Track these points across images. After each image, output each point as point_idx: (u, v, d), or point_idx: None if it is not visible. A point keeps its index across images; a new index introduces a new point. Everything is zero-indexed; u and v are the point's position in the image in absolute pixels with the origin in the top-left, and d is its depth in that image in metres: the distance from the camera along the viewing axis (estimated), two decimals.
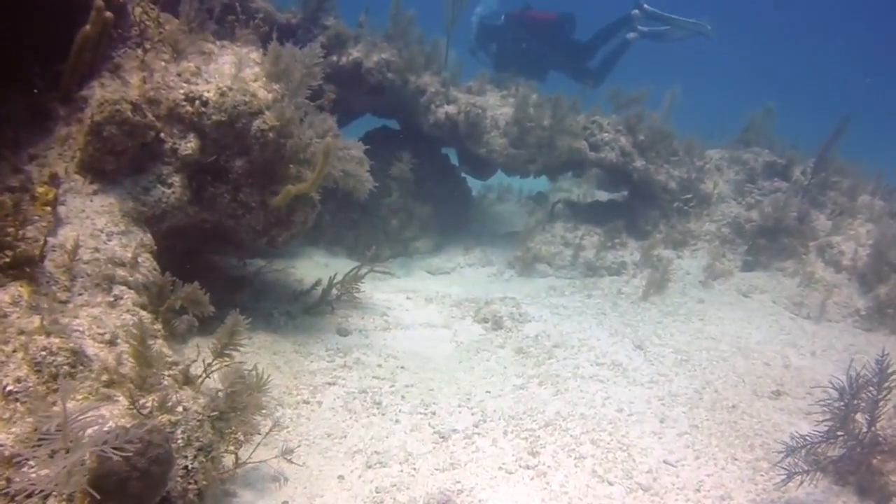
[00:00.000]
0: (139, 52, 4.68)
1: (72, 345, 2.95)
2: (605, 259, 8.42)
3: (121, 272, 3.75)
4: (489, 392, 4.89)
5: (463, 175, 10.46)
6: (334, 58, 8.38)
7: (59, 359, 2.87)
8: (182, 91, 4.64)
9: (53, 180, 3.87)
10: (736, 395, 5.04)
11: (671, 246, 8.70)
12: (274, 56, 5.03)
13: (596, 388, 5.01)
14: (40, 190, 3.68)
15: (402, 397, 4.72)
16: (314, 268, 8.33)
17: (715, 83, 38.59)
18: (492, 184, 12.19)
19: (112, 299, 3.57)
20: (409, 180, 9.08)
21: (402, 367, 5.23)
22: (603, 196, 10.89)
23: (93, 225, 3.95)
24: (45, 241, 3.44)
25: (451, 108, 8.57)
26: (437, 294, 7.21)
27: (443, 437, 4.20)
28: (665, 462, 4.06)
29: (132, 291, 3.70)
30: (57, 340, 2.92)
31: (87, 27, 4.32)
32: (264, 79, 5.00)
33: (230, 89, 4.72)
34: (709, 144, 9.88)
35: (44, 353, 2.85)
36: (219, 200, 4.98)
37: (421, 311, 6.69)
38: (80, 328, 3.19)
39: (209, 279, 6.11)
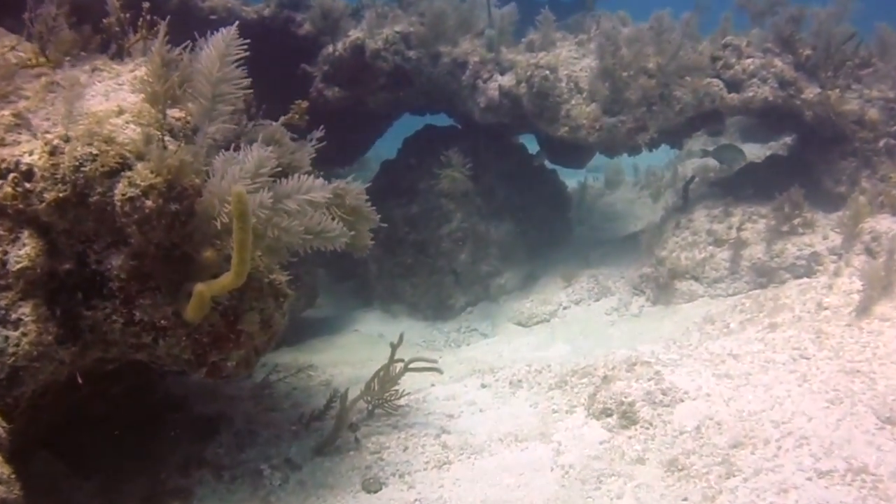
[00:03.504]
0: None
1: None
2: (785, 254, 6.22)
3: None
4: None
5: (549, 168, 8.52)
6: (329, 49, 6.77)
7: None
8: None
9: None
10: None
11: (889, 210, 6.32)
12: (157, 67, 3.39)
13: None
14: None
15: None
16: (361, 347, 6.72)
17: None
18: (596, 165, 10.16)
19: None
20: (469, 193, 7.30)
21: None
22: (754, 152, 8.58)
23: None
24: None
25: (505, 80, 6.73)
26: (528, 368, 5.34)
27: None
28: None
29: None
30: None
31: None
32: (138, 110, 3.37)
33: (67, 140, 3.12)
34: None
35: None
36: (106, 327, 3.42)
37: (502, 410, 4.84)
38: None
39: (163, 431, 4.71)
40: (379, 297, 7.74)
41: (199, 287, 3.13)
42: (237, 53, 3.32)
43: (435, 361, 4.79)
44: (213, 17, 5.36)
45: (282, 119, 4.59)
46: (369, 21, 6.68)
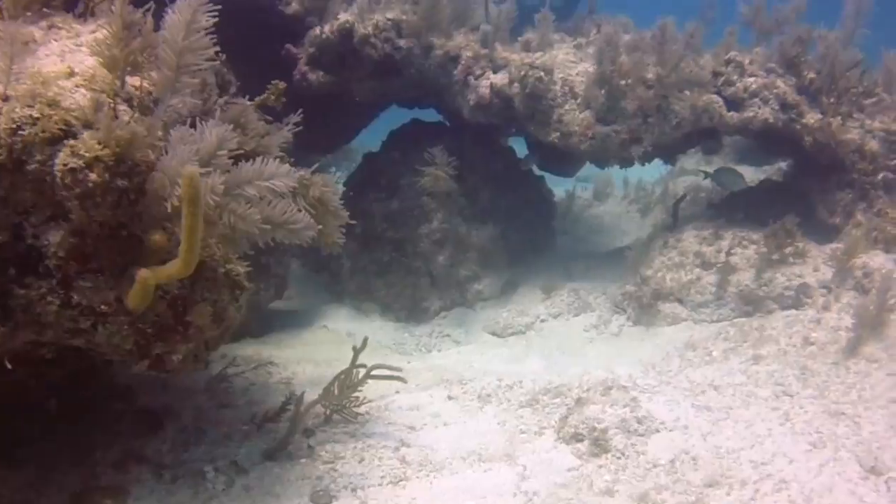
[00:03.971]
0: None
1: None
2: (773, 283, 6.03)
3: None
4: None
5: (537, 174, 8.28)
6: (316, 31, 6.49)
7: None
8: None
9: None
10: None
11: (883, 247, 6.15)
12: (117, 28, 3.12)
13: None
14: None
15: None
16: (328, 345, 6.44)
17: None
18: (586, 174, 9.94)
19: None
20: (452, 193, 7.05)
21: None
22: (747, 174, 8.38)
23: None
24: None
25: (498, 78, 6.46)
26: (499, 383, 5.10)
27: None
28: None
29: None
30: None
31: None
32: (91, 74, 3.10)
33: (6, 100, 2.84)
34: None
35: None
36: (40, 308, 3.14)
37: (468, 425, 4.60)
38: None
39: (103, 422, 4.43)
40: (351, 293, 7.46)
41: (143, 273, 2.86)
42: (205, 20, 3.05)
43: (399, 370, 4.53)
44: None
45: (257, 99, 4.32)
46: (360, 5, 6.39)
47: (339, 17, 6.42)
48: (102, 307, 3.14)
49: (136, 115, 3.06)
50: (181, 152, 2.65)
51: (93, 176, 2.77)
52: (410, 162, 7.14)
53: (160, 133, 3.07)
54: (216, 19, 3.06)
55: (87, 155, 2.77)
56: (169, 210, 2.85)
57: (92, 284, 3.10)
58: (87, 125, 2.83)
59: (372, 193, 7.40)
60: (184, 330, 3.36)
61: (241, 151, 2.94)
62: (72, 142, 2.77)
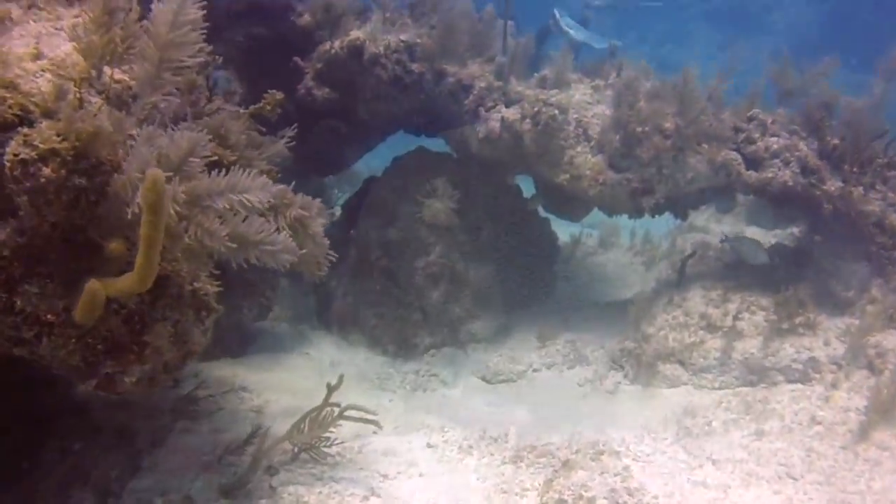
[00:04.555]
0: None
1: None
2: (781, 353, 5.69)
3: None
4: None
5: (543, 215, 7.98)
6: (325, 46, 6.24)
7: None
8: None
9: None
10: None
11: None
12: (98, 13, 2.84)
13: None
14: None
15: None
16: (309, 373, 6.10)
17: None
18: (593, 221, 9.64)
19: None
20: (452, 227, 6.76)
21: None
22: (759, 236, 8.09)
23: None
24: None
25: (510, 112, 6.20)
26: (482, 434, 4.76)
27: None
28: None
29: None
30: None
31: None
32: (61, 59, 2.82)
33: None
34: None
35: None
36: None
37: (445, 479, 4.25)
38: None
39: (53, 438, 4.10)
40: (339, 320, 7.13)
41: (93, 285, 2.55)
42: (194, 14, 2.77)
43: (375, 413, 4.18)
44: None
45: (251, 108, 4.05)
46: (374, 23, 6.16)
47: (350, 33, 6.18)
48: (48, 317, 2.83)
49: (107, 108, 2.77)
50: (142, 153, 2.35)
51: (46, 171, 2.48)
52: (412, 191, 6.87)
53: (134, 131, 2.78)
54: (203, 12, 2.79)
55: (41, 146, 2.48)
56: (129, 217, 2.55)
57: (39, 290, 2.79)
58: (48, 114, 2.54)
59: (369, 219, 7.10)
60: (139, 350, 3.04)
61: (215, 159, 2.63)
62: (26, 130, 2.47)
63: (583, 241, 9.50)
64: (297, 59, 6.50)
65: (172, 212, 2.48)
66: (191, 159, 2.62)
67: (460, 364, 6.62)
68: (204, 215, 2.57)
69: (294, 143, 3.94)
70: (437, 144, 7.90)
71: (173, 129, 2.77)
